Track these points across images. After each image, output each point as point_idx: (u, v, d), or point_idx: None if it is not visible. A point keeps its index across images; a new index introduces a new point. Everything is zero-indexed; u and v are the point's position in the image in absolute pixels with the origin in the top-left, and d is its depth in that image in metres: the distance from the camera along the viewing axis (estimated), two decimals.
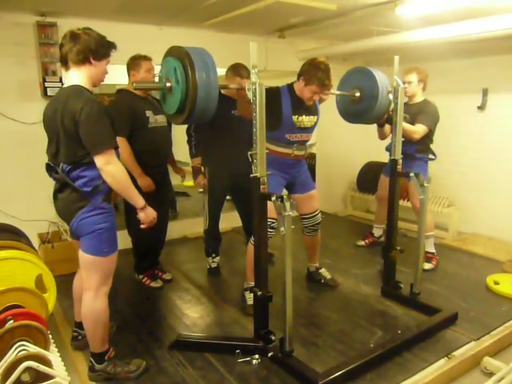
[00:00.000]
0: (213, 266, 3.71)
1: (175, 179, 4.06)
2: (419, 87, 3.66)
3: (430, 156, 3.74)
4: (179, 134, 3.97)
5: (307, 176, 3.31)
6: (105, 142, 2.01)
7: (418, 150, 3.64)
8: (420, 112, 3.58)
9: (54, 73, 3.70)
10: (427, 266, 3.73)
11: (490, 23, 3.32)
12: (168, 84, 2.21)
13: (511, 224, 4.39)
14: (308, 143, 3.11)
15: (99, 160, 2.00)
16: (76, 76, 2.10)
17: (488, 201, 4.61)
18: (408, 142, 3.39)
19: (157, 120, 3.22)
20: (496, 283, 3.36)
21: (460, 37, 3.59)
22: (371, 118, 3.25)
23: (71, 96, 2.03)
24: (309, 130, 3.06)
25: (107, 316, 2.26)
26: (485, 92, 4.52)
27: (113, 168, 2.03)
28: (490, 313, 3.00)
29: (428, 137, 3.65)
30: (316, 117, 3.08)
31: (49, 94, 3.68)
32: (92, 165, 2.04)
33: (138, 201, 2.15)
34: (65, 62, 2.11)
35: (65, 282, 2.55)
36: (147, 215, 2.19)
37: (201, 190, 3.77)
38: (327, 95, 3.07)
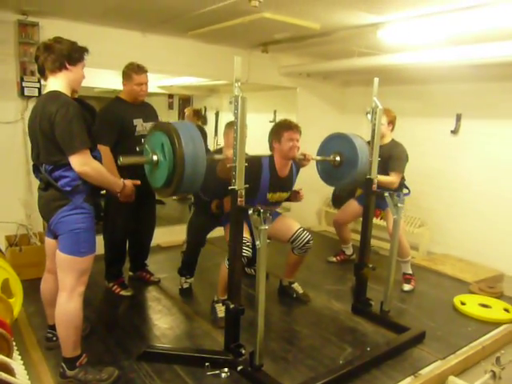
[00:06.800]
0: (184, 286, 3.58)
1: None
2: (388, 129, 3.72)
3: (404, 191, 3.78)
4: None
5: None
6: (79, 143, 2.05)
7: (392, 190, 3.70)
8: (390, 155, 3.61)
9: (33, 73, 3.62)
10: (407, 287, 3.78)
11: (466, 51, 3.44)
12: (154, 157, 2.24)
13: (480, 246, 4.51)
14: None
15: (74, 160, 2.06)
16: (54, 83, 2.17)
17: (459, 223, 4.73)
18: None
19: (146, 128, 3.21)
20: (463, 303, 3.44)
21: (437, 63, 3.71)
22: (351, 182, 3.30)
23: (48, 100, 2.12)
24: (278, 203, 3.24)
25: (80, 319, 2.24)
26: (458, 117, 4.66)
27: (88, 169, 2.09)
28: (456, 332, 3.06)
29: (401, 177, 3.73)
30: (288, 193, 3.23)
31: (26, 93, 3.62)
32: None
33: (118, 185, 2.30)
34: (42, 72, 2.19)
35: (31, 287, 2.48)
36: (126, 191, 2.37)
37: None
38: (308, 161, 3.17)
